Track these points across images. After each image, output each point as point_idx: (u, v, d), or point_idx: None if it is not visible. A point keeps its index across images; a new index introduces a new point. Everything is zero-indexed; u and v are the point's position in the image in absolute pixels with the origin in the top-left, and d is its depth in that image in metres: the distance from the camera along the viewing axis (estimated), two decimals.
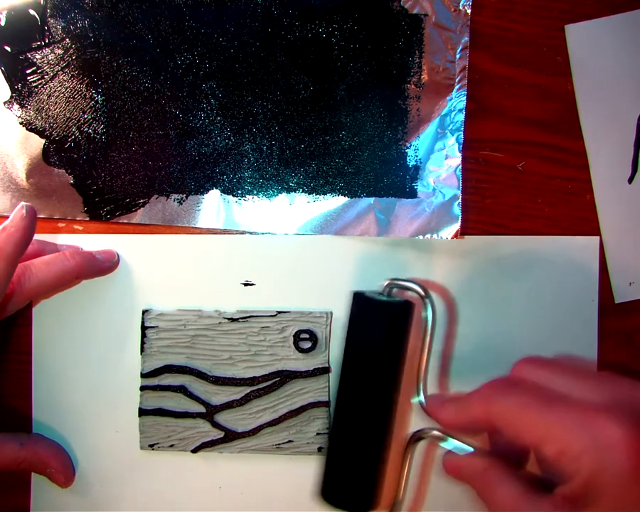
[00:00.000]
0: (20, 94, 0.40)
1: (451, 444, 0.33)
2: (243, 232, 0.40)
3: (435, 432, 0.34)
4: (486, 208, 0.40)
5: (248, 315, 0.40)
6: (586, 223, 0.40)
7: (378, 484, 0.34)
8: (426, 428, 0.34)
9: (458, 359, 0.40)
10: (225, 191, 0.40)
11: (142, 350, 0.40)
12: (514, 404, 0.28)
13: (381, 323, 0.34)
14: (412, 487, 0.39)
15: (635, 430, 0.25)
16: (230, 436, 0.39)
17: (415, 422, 0.40)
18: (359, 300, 0.35)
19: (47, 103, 0.39)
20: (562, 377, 0.29)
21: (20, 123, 0.40)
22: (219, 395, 0.40)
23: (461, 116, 0.39)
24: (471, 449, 0.32)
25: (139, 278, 0.40)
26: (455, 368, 0.40)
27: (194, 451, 0.39)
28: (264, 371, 0.40)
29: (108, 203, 0.40)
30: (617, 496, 0.25)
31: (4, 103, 0.40)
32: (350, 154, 0.40)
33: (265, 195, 0.40)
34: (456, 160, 0.39)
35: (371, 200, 0.40)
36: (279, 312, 0.40)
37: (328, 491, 0.34)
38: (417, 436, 0.35)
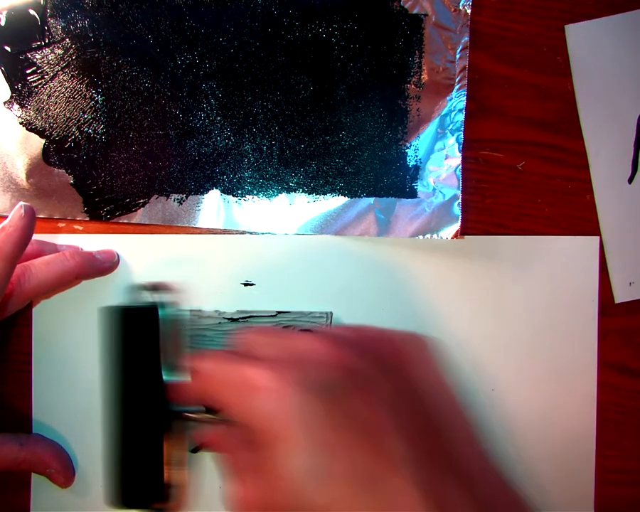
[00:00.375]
0: (20, 94, 0.40)
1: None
2: (243, 232, 0.40)
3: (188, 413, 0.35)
4: (486, 208, 0.40)
5: (248, 315, 0.40)
6: (586, 223, 0.40)
7: (153, 477, 0.35)
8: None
9: (458, 358, 0.40)
10: (225, 191, 0.40)
11: None
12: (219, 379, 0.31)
13: (112, 329, 0.35)
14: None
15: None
16: None
17: None
18: (108, 312, 0.36)
19: (47, 103, 0.39)
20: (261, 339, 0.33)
21: (20, 123, 0.40)
22: None
23: (461, 116, 0.39)
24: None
25: (139, 278, 0.40)
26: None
27: (194, 451, 0.39)
28: None
29: (108, 202, 0.40)
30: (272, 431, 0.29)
31: (4, 103, 0.40)
32: (350, 154, 0.40)
33: (265, 195, 0.40)
34: (456, 160, 0.39)
35: (371, 200, 0.40)
36: (279, 312, 0.40)
37: (115, 494, 0.35)
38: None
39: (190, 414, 0.35)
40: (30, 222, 0.35)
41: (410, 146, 0.40)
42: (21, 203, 0.35)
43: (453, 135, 0.39)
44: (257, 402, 0.29)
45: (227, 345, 0.38)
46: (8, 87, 0.39)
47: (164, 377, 0.35)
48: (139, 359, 0.35)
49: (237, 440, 0.31)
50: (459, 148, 0.39)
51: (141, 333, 0.35)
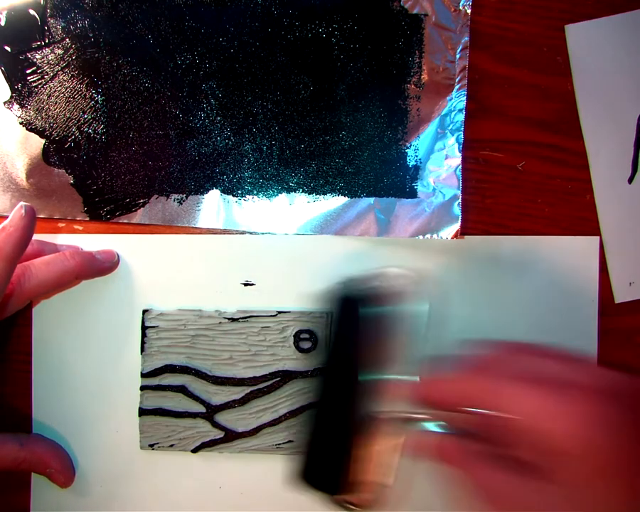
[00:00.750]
0: (21, 94, 0.40)
1: (421, 425, 0.33)
2: (243, 232, 0.40)
3: (405, 414, 0.33)
4: (486, 208, 0.40)
5: (248, 315, 0.40)
6: (586, 223, 0.40)
7: (347, 467, 0.34)
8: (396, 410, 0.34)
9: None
10: (225, 191, 0.40)
11: (142, 350, 0.40)
12: (506, 380, 0.28)
13: (337, 313, 0.36)
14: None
15: (617, 410, 0.25)
16: (230, 436, 0.39)
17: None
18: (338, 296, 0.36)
19: (47, 103, 0.39)
20: (554, 363, 0.28)
21: (20, 123, 0.40)
22: (219, 395, 0.40)
23: (461, 116, 0.39)
24: (440, 430, 0.31)
25: (138, 278, 0.40)
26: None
27: (194, 451, 0.39)
28: (264, 371, 0.40)
29: (108, 202, 0.40)
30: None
31: (4, 103, 0.40)
32: (350, 154, 0.40)
33: (265, 195, 0.40)
34: (456, 160, 0.39)
35: (371, 200, 0.40)
36: (279, 312, 0.40)
37: (301, 472, 0.35)
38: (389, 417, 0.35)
39: (408, 415, 0.33)
40: (31, 223, 0.35)
41: (410, 146, 0.40)
42: (22, 203, 0.35)
43: (453, 135, 0.39)
44: (560, 416, 0.25)
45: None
46: (8, 87, 0.39)
47: (372, 374, 0.35)
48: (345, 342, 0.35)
49: (485, 456, 0.27)
50: (458, 148, 0.39)
51: (349, 317, 0.35)
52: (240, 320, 0.40)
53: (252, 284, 0.40)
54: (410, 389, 0.32)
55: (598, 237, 0.40)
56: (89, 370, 0.40)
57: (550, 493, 0.25)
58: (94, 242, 0.40)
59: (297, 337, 0.39)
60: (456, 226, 0.39)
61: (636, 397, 0.26)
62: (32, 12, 0.39)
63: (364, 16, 0.39)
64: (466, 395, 0.29)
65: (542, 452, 0.25)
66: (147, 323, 0.39)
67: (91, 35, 0.39)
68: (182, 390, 0.39)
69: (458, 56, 0.39)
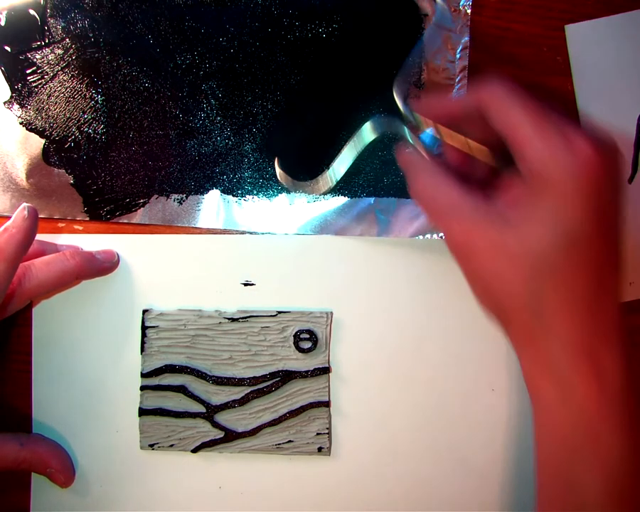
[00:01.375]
0: (21, 94, 0.40)
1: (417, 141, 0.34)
2: (243, 232, 0.40)
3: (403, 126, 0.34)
4: None
5: (248, 315, 0.40)
6: None
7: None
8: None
9: (458, 358, 0.40)
10: (225, 191, 0.40)
11: (142, 350, 0.40)
12: (511, 96, 0.29)
13: None
14: None
15: (605, 156, 0.28)
16: (230, 436, 0.39)
17: None
18: None
19: (47, 103, 0.39)
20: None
21: (20, 123, 0.40)
22: (219, 395, 0.40)
23: None
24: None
25: (139, 278, 0.40)
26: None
27: (194, 451, 0.39)
28: (264, 371, 0.40)
29: (108, 203, 0.40)
30: (562, 197, 0.27)
31: (4, 103, 0.40)
32: None
33: (265, 195, 0.40)
34: None
35: (371, 200, 0.40)
36: (279, 312, 0.40)
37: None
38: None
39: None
40: (33, 224, 0.35)
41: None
42: (24, 204, 0.35)
43: None
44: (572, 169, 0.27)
45: None
46: (8, 87, 0.39)
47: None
48: None
49: (465, 187, 0.30)
50: None
51: None
52: (240, 320, 0.40)
53: (252, 284, 0.40)
54: (416, 101, 0.34)
55: None
56: (89, 370, 0.40)
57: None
58: (94, 242, 0.40)
59: (297, 337, 0.39)
60: None
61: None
62: (32, 12, 0.39)
63: (364, 15, 0.39)
64: (469, 106, 0.31)
65: (535, 172, 0.28)
66: (147, 323, 0.39)
67: (91, 35, 0.39)
68: (182, 390, 0.39)
69: (458, 56, 0.39)
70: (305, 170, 0.38)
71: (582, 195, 0.27)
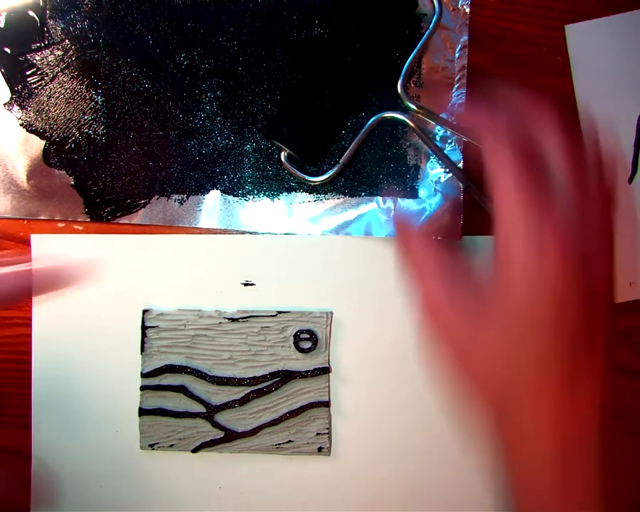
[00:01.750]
0: (21, 96, 0.40)
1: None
2: (243, 232, 0.40)
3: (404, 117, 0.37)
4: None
5: (248, 315, 0.40)
6: None
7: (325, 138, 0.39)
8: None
9: None
10: (226, 191, 0.40)
11: (142, 350, 0.40)
12: (506, 153, 0.27)
13: None
14: None
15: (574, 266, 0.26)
16: (230, 436, 0.39)
17: None
18: None
19: (47, 104, 0.40)
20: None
21: (21, 124, 0.40)
22: (219, 395, 0.40)
23: None
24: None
25: (139, 278, 0.40)
26: None
27: (194, 451, 0.40)
28: (264, 371, 0.40)
29: (109, 203, 0.40)
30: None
31: (4, 105, 0.40)
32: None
33: (266, 195, 0.40)
34: (457, 159, 0.39)
35: (371, 200, 0.40)
36: (280, 312, 0.40)
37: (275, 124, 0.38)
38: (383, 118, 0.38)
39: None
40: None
41: (410, 145, 0.40)
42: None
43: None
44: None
45: None
46: (8, 89, 0.40)
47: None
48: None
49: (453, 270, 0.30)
50: (459, 147, 0.39)
51: None
52: (240, 320, 0.40)
53: (252, 284, 0.40)
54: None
55: None
56: (89, 371, 0.40)
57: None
58: (94, 242, 0.40)
59: (297, 337, 0.39)
60: (457, 226, 0.39)
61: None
62: (31, 13, 0.39)
63: (364, 15, 0.39)
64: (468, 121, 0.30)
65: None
66: (147, 323, 0.40)
67: (90, 36, 0.39)
68: (182, 390, 0.40)
69: (457, 55, 0.39)
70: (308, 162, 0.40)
71: (545, 323, 0.26)
